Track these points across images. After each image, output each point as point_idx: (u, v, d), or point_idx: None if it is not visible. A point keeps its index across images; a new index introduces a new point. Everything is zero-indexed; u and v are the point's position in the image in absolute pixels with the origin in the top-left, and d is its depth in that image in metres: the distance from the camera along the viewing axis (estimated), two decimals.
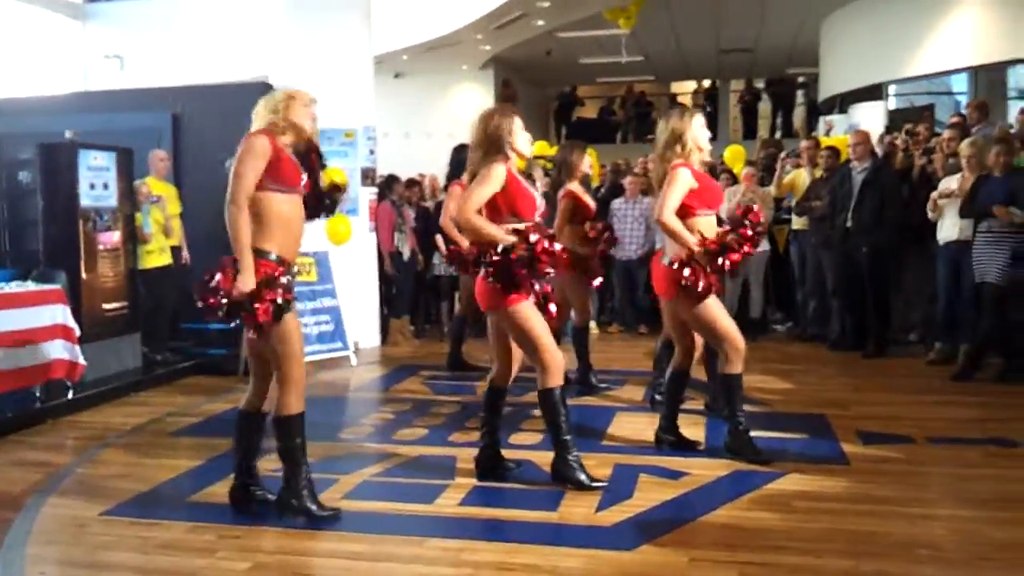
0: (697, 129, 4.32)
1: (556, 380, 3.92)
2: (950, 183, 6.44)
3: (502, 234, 3.77)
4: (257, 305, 3.41)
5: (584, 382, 6.05)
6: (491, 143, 3.86)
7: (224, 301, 3.45)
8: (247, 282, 3.40)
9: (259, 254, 3.49)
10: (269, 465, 3.84)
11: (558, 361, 3.93)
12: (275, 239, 3.52)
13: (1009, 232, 5.96)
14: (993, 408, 5.44)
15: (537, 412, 5.24)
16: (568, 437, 3.98)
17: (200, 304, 3.54)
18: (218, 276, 3.47)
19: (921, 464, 4.35)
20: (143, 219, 6.86)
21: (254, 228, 3.49)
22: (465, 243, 6.07)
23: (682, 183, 4.21)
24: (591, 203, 5.97)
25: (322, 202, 3.81)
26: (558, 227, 5.69)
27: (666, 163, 4.32)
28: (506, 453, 4.29)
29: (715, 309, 4.25)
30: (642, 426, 4.96)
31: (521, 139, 3.93)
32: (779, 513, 3.67)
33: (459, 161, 6.23)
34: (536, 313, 3.87)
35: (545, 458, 4.33)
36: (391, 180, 8.72)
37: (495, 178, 3.80)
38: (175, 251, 7.14)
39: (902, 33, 11.46)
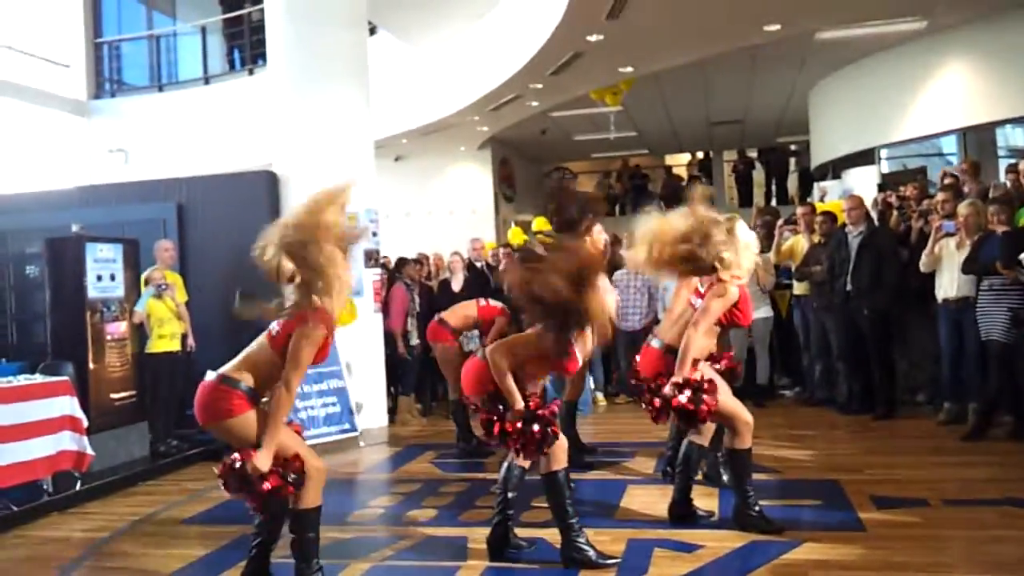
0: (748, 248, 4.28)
1: (560, 463, 3.94)
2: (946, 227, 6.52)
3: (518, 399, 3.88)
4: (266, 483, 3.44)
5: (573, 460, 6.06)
6: None
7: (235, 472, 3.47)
8: (264, 462, 3.44)
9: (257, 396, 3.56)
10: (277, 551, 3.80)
11: (562, 445, 3.95)
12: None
13: (1012, 288, 5.99)
14: (1008, 467, 5.39)
15: None
16: (574, 520, 3.96)
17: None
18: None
19: (938, 527, 4.30)
20: (139, 303, 6.91)
21: (263, 379, 3.57)
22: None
23: (730, 300, 4.26)
24: None
25: None
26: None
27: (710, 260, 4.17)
28: (518, 531, 4.24)
29: (719, 391, 4.26)
30: (654, 499, 4.92)
31: None
32: None
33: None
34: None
35: (558, 536, 4.30)
36: (401, 263, 8.82)
37: None
38: (181, 338, 7.17)
39: (890, 98, 11.69)
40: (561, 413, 6.01)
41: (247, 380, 3.57)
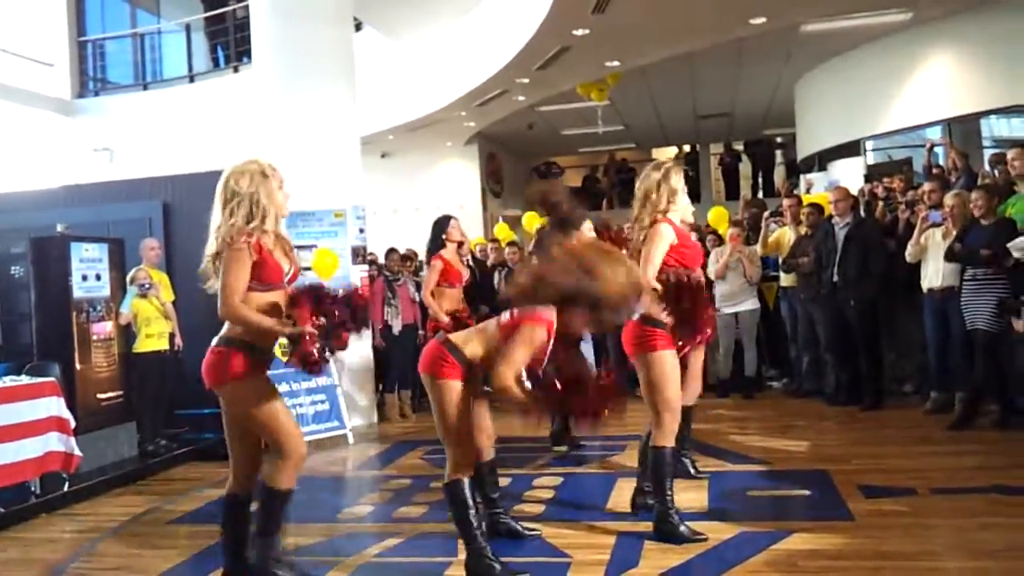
0: (675, 182, 4.26)
1: (465, 472, 3.73)
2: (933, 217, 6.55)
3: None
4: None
5: (558, 440, 6.21)
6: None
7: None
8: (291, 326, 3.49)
9: (236, 344, 3.51)
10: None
11: (469, 458, 3.79)
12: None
13: (996, 277, 6.03)
14: (994, 455, 5.43)
15: (538, 482, 5.25)
16: (479, 531, 3.72)
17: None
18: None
19: (926, 516, 4.32)
20: (124, 304, 6.88)
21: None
22: (444, 318, 6.14)
23: (664, 239, 4.18)
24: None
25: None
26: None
27: (642, 225, 4.25)
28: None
29: (670, 371, 4.12)
30: None
31: None
32: (787, 574, 3.64)
33: (439, 234, 6.36)
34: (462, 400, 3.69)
35: (550, 530, 4.32)
36: (389, 253, 8.81)
37: None
38: (169, 337, 7.13)
39: (875, 89, 11.74)
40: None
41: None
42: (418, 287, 8.65)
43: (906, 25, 10.64)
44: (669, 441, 4.13)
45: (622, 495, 4.99)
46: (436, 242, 6.42)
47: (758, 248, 8.26)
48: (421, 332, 8.47)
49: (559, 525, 4.45)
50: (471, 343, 3.69)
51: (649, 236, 4.21)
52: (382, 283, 8.37)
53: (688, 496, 4.62)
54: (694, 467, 5.22)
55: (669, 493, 4.13)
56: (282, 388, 5.23)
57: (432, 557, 4.11)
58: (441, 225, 6.43)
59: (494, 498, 4.30)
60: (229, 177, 3.61)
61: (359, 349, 7.97)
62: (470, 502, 3.70)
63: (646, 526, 4.34)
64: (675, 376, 4.14)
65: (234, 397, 3.55)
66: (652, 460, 4.18)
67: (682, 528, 4.08)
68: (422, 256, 8.98)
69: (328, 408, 7.21)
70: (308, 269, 7.57)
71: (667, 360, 4.11)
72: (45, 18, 13.68)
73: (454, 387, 3.65)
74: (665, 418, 4.13)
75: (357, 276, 7.99)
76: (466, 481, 3.70)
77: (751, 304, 8.00)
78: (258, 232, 3.53)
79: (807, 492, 4.86)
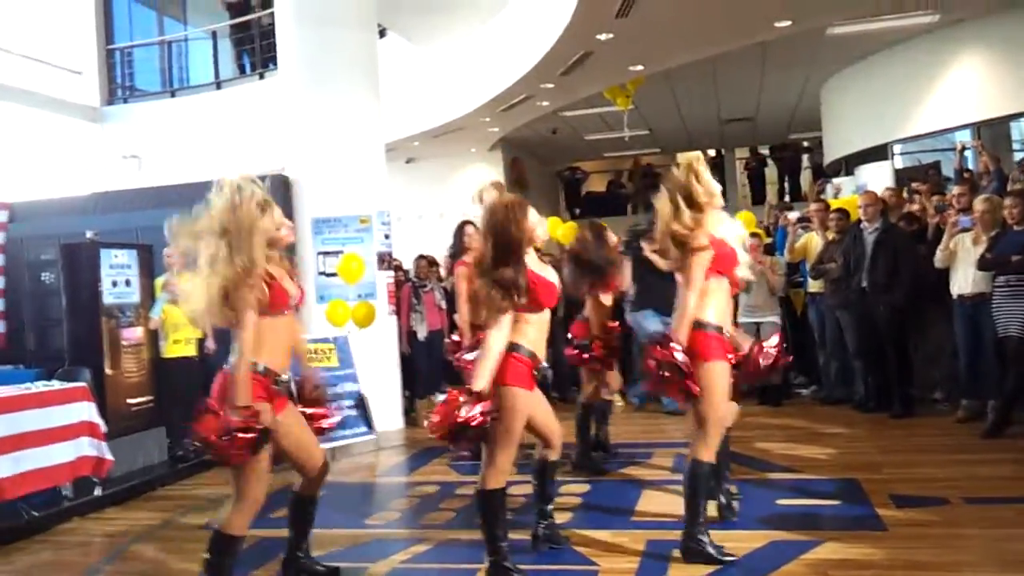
0: (705, 179, 3.99)
1: (498, 482, 3.74)
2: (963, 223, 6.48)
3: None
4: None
5: (582, 464, 5.86)
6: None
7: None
8: (241, 397, 3.45)
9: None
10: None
11: (507, 467, 3.78)
12: (263, 354, 3.60)
13: None
14: None
15: (565, 490, 5.24)
16: (504, 544, 3.75)
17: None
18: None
19: (959, 526, 4.27)
20: (155, 309, 6.93)
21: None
22: (467, 333, 6.06)
23: (703, 262, 3.94)
24: None
25: None
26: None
27: (678, 232, 3.94)
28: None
29: (720, 381, 3.95)
30: (672, 500, 4.89)
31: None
32: None
33: (459, 240, 6.28)
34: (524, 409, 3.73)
35: (579, 536, 4.31)
36: (417, 259, 8.84)
37: None
38: (199, 342, 7.18)
39: (903, 92, 11.63)
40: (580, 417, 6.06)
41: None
42: (444, 293, 8.67)
43: (934, 27, 10.53)
44: (709, 456, 3.94)
45: (650, 503, 4.98)
46: (457, 248, 6.36)
47: (785, 255, 8.18)
48: (447, 340, 8.46)
49: (586, 533, 4.44)
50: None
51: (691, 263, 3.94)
52: (409, 289, 8.40)
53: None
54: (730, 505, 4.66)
55: (702, 512, 3.97)
56: None
57: (459, 564, 4.12)
58: (460, 231, 6.36)
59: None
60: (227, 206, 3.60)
61: (386, 355, 8.01)
62: (501, 513, 3.73)
63: (675, 534, 4.30)
64: (724, 387, 3.96)
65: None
66: (689, 473, 3.97)
67: (710, 549, 3.90)
68: (440, 262, 9.05)
69: (355, 414, 7.23)
70: (334, 275, 7.62)
71: (717, 371, 3.93)
72: (74, 27, 13.85)
73: (519, 393, 3.68)
74: (710, 430, 3.93)
75: (383, 282, 8.02)
76: (503, 491, 3.74)
77: (773, 317, 7.81)
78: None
79: (837, 501, 4.81)
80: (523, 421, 3.75)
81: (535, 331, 3.80)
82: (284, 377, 3.73)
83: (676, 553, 4.03)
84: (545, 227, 3.97)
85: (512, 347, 3.71)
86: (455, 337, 6.15)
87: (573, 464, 5.76)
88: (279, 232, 3.71)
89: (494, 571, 3.72)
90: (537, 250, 3.93)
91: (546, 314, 3.83)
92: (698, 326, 3.95)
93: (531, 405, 3.79)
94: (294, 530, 3.96)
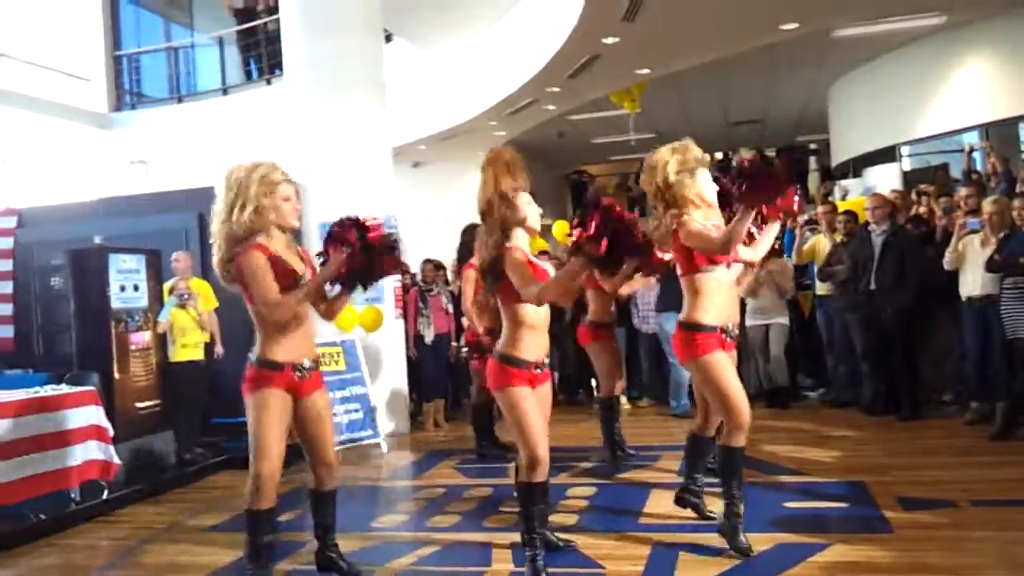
0: (702, 183, 4.16)
1: (540, 476, 3.78)
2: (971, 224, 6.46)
3: None
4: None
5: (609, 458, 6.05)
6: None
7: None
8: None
9: (266, 364, 3.61)
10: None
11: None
12: (280, 344, 3.64)
13: None
14: None
15: (572, 492, 5.23)
16: (539, 536, 3.82)
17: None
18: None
19: (967, 529, 4.24)
20: (162, 313, 6.96)
21: (259, 337, 3.66)
22: (481, 330, 6.12)
23: (696, 218, 4.00)
24: None
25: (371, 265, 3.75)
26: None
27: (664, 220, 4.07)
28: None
29: (727, 376, 4.01)
30: None
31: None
32: None
33: (469, 243, 6.32)
34: (533, 403, 3.75)
35: (584, 540, 4.30)
36: (424, 263, 8.85)
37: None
38: (208, 346, 7.20)
39: (910, 94, 11.61)
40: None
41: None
42: (451, 297, 8.67)
43: (941, 28, 10.51)
44: (737, 441, 4.04)
45: (657, 505, 4.97)
46: (465, 251, 6.37)
47: (793, 257, 8.15)
48: (454, 344, 8.47)
49: (593, 535, 4.43)
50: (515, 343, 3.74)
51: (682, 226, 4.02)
52: (415, 293, 8.40)
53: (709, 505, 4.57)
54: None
55: (737, 495, 4.06)
56: None
57: (466, 567, 4.12)
58: (469, 234, 6.36)
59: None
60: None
61: (392, 358, 8.02)
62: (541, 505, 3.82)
63: (682, 537, 4.31)
64: (727, 373, 4.00)
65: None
66: (720, 459, 4.15)
67: (741, 538, 4.01)
68: (448, 265, 9.05)
69: (362, 417, 7.25)
70: None
71: (711, 363, 3.98)
72: (81, 34, 13.94)
73: (522, 392, 3.71)
74: (732, 418, 4.00)
75: (390, 286, 8.03)
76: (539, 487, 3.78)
77: (782, 319, 7.79)
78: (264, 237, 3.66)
79: (845, 504, 4.79)
80: (534, 412, 3.74)
81: (533, 338, 3.79)
82: (306, 363, 3.73)
83: (684, 555, 4.04)
84: (538, 216, 3.92)
85: (511, 360, 3.75)
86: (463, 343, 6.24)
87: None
88: (283, 207, 3.76)
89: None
90: (543, 253, 3.94)
91: (545, 311, 3.82)
92: (695, 327, 4.00)
93: (534, 404, 3.78)
94: (315, 523, 4.04)
